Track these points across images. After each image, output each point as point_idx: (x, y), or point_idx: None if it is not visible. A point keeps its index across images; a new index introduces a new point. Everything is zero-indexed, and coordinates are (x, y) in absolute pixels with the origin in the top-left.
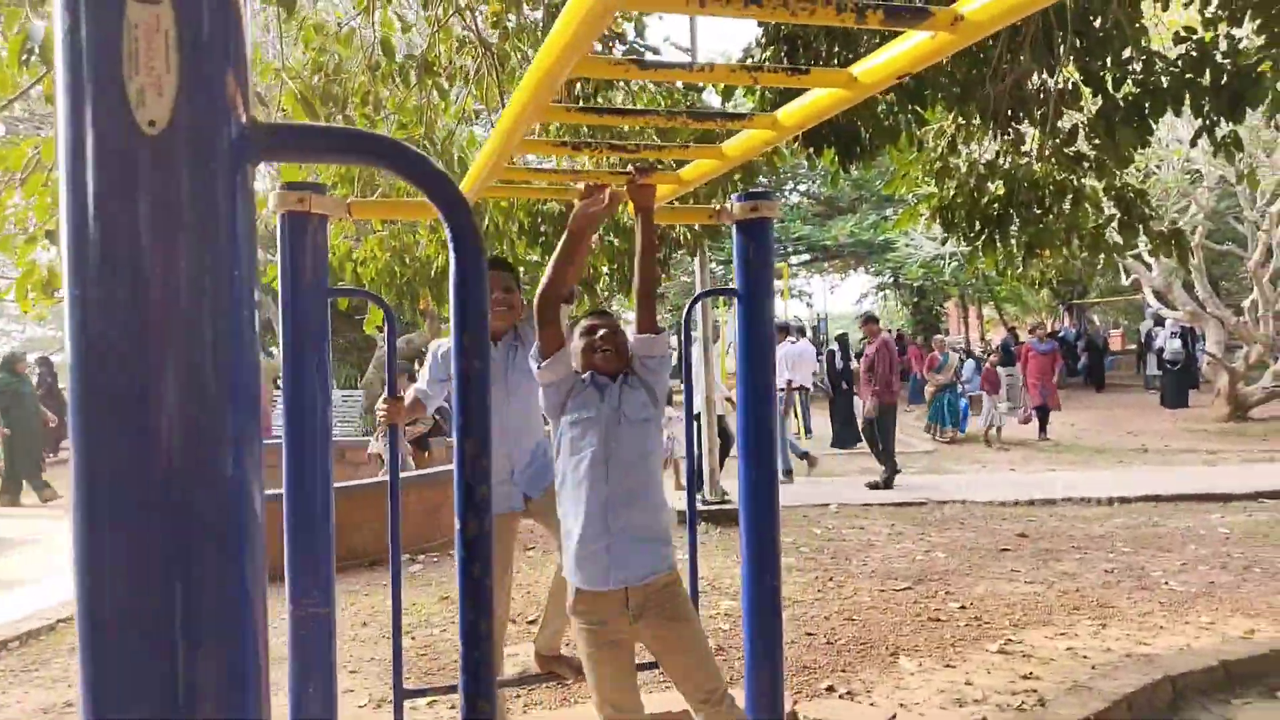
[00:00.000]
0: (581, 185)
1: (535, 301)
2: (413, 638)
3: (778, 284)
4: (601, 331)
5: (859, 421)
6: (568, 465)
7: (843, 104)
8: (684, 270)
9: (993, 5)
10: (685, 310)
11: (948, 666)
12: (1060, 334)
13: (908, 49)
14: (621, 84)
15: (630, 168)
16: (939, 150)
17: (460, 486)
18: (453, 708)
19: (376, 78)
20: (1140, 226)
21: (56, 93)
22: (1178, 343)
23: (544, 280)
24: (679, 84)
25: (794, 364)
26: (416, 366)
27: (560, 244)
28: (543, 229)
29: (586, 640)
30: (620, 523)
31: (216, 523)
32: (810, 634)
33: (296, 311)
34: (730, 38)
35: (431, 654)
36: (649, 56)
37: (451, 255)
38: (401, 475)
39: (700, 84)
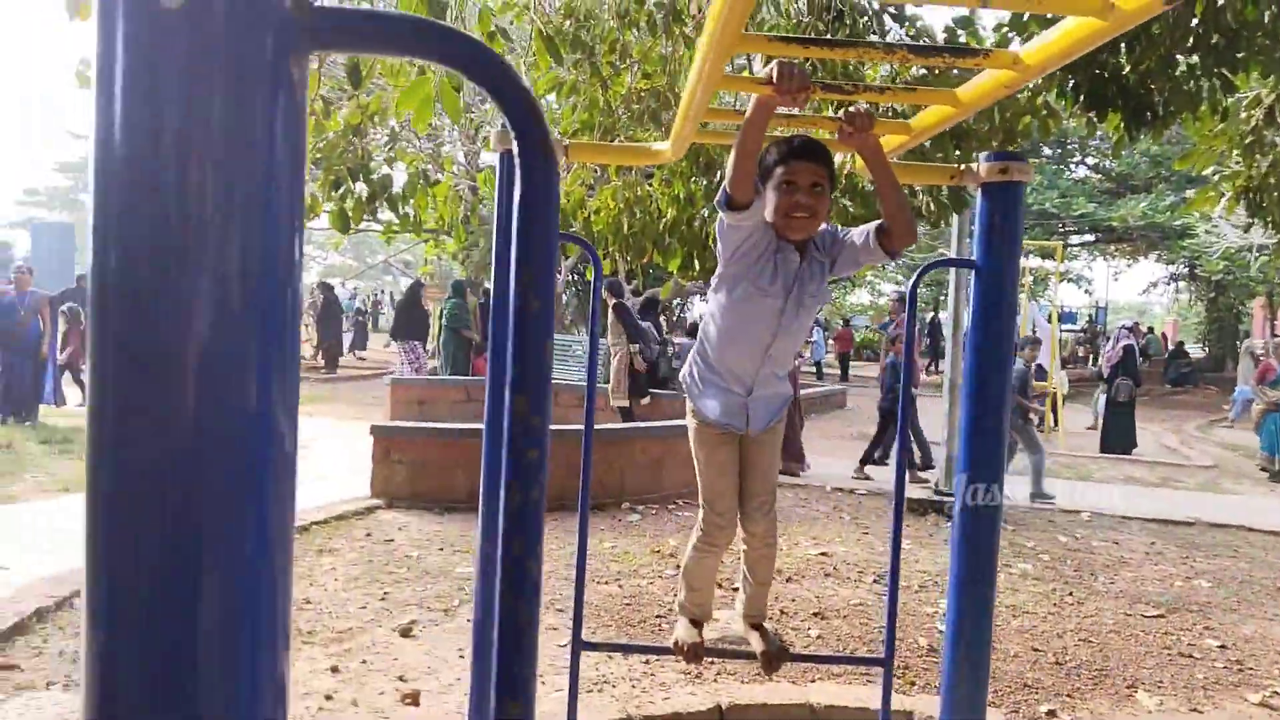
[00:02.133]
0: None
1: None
2: (620, 585)
3: (1050, 265)
4: (799, 197)
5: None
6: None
7: (1099, 36)
8: (943, 242)
9: None
10: (911, 282)
11: (1194, 711)
12: None
13: None
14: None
15: (841, 113)
16: (1252, 122)
17: (509, 446)
18: (647, 662)
19: (625, 24)
20: None
21: None
22: None
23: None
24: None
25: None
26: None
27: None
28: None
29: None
30: (761, 390)
31: (239, 460)
32: (1037, 650)
33: (504, 254)
34: None
35: (636, 604)
36: None
37: (519, 174)
38: (625, 427)
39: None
